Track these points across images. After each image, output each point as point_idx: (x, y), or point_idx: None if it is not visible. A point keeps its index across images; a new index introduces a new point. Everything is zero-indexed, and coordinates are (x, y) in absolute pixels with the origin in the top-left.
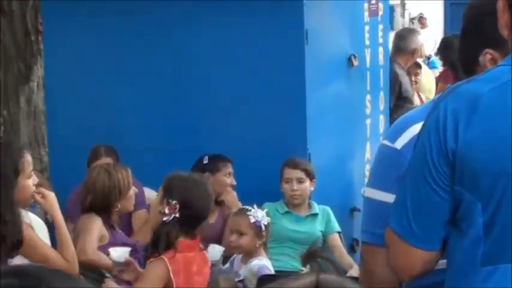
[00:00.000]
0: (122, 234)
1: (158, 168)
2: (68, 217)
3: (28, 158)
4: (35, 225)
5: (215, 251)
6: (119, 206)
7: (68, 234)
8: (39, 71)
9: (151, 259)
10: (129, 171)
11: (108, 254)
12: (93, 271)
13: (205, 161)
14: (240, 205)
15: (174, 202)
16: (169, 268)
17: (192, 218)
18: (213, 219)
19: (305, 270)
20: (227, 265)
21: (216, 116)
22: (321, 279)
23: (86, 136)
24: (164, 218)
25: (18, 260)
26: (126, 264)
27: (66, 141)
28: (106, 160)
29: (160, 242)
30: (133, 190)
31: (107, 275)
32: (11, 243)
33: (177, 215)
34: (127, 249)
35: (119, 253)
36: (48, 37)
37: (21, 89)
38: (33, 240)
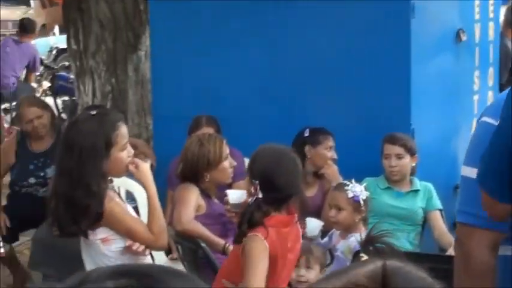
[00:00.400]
0: (219, 205)
1: (260, 139)
2: (169, 186)
3: (122, 130)
4: (136, 192)
5: (313, 225)
6: (208, 176)
7: (159, 206)
8: (146, 41)
9: (244, 237)
10: (224, 142)
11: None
12: (189, 241)
13: (306, 134)
14: (340, 179)
15: (256, 182)
16: (266, 244)
17: (276, 197)
18: (312, 192)
19: (365, 256)
20: (326, 239)
21: (319, 89)
22: (388, 266)
23: (189, 106)
24: (249, 199)
25: (102, 232)
26: (243, 206)
27: (170, 111)
28: (207, 130)
29: (243, 223)
30: (228, 162)
31: (203, 244)
32: (93, 214)
33: (260, 196)
34: (244, 192)
35: (236, 195)
36: (155, 6)
37: (130, 57)
38: (117, 212)
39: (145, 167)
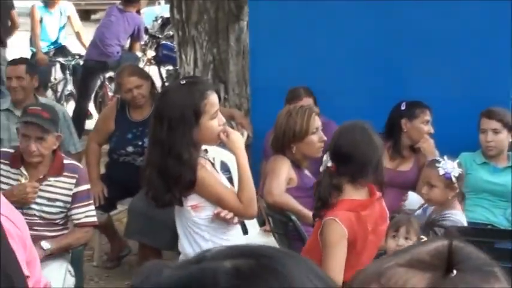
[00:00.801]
0: (311, 178)
1: (358, 112)
2: (265, 157)
3: (212, 99)
4: (230, 163)
5: (414, 199)
6: (294, 148)
7: (249, 176)
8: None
9: (322, 219)
10: (314, 115)
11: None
12: (280, 213)
13: (403, 107)
14: (436, 154)
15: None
16: (344, 229)
17: (348, 169)
18: (407, 167)
19: (424, 238)
20: (419, 211)
21: (418, 61)
22: (454, 245)
23: (287, 77)
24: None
25: (193, 199)
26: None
27: (268, 82)
28: (306, 101)
29: (317, 199)
30: (318, 136)
31: (293, 217)
32: (186, 182)
33: (332, 168)
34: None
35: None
36: None
37: (232, 27)
38: (208, 180)
39: (236, 136)
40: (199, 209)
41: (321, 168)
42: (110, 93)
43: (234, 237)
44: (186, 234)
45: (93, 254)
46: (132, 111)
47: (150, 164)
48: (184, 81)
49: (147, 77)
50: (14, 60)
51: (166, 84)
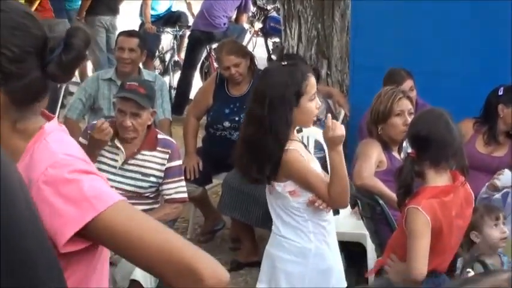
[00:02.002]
0: (401, 161)
1: (455, 96)
2: (360, 137)
3: (311, 81)
4: (323, 141)
5: (508, 177)
6: (380, 129)
7: (342, 175)
8: None
9: (405, 207)
10: (399, 97)
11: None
12: (368, 196)
13: (501, 92)
14: None
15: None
16: (427, 217)
17: (433, 159)
18: (502, 152)
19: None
20: (497, 196)
21: None
22: None
23: (387, 57)
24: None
25: (291, 185)
26: None
27: (368, 60)
28: (408, 84)
29: (400, 186)
30: (403, 119)
31: (380, 201)
32: (275, 162)
33: (413, 154)
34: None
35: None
36: None
37: (337, 3)
38: (296, 164)
39: (341, 131)
40: (297, 194)
41: (402, 155)
42: (216, 64)
43: (330, 217)
44: (283, 217)
45: (187, 227)
46: (230, 87)
47: (243, 141)
48: (285, 63)
49: (245, 54)
50: (128, 31)
51: (273, 56)
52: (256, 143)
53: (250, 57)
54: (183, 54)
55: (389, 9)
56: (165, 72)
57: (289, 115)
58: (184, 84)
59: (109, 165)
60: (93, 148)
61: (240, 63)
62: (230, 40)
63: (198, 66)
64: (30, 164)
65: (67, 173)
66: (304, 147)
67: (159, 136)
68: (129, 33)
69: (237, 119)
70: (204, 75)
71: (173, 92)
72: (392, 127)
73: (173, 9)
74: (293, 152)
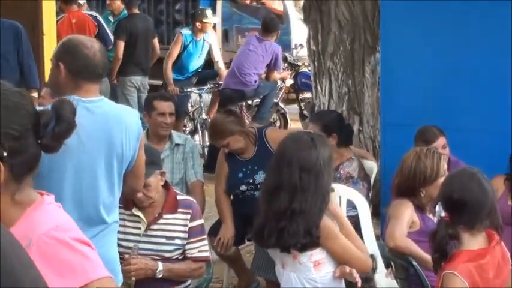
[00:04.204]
0: (434, 222)
1: (484, 151)
2: (393, 196)
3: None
4: (357, 201)
5: None
6: (423, 192)
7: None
8: None
9: (441, 272)
10: (443, 157)
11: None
12: (401, 257)
13: None
14: None
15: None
16: (464, 282)
17: (468, 222)
18: None
19: None
20: None
21: None
22: None
23: (418, 113)
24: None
25: (317, 254)
26: None
27: (399, 117)
28: (442, 141)
29: (435, 251)
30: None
31: (414, 262)
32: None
33: (446, 217)
34: None
35: None
36: (387, 7)
37: (367, 59)
38: (334, 230)
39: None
40: (320, 266)
41: (435, 219)
42: (247, 121)
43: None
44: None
45: (221, 287)
46: None
47: (271, 207)
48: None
49: (228, 134)
50: (163, 96)
51: (305, 112)
52: (288, 210)
53: (239, 130)
54: (214, 112)
55: (420, 65)
56: (194, 130)
57: (328, 182)
58: None
59: (132, 233)
60: None
61: (227, 143)
62: (212, 123)
63: None
64: (30, 225)
65: (68, 237)
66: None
67: (179, 197)
68: (165, 97)
69: (251, 180)
70: None
71: (201, 149)
72: (436, 189)
73: (200, 67)
74: (329, 221)
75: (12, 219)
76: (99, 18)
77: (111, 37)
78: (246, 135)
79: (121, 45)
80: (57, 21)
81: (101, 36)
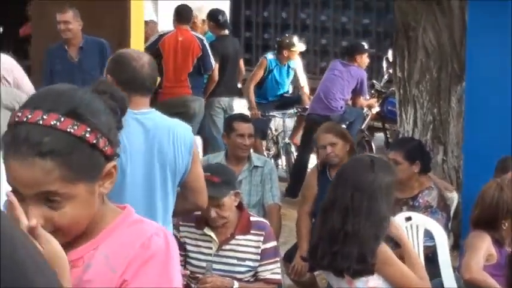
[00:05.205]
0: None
1: None
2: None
3: None
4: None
5: None
6: (505, 224)
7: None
8: None
9: None
10: None
11: None
12: None
13: None
14: None
15: None
16: None
17: None
18: None
19: None
20: None
21: None
22: None
23: (501, 144)
24: None
25: (373, 280)
26: None
27: (481, 147)
28: None
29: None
30: None
31: None
32: (374, 256)
33: None
34: None
35: None
36: (473, 34)
37: (454, 88)
38: (390, 258)
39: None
40: None
41: (509, 249)
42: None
43: None
44: None
45: None
46: (332, 171)
47: (325, 226)
48: (369, 159)
49: (343, 136)
50: (242, 117)
51: (390, 141)
52: (345, 234)
53: (351, 143)
54: (298, 137)
55: (506, 95)
56: (278, 154)
57: (390, 207)
58: (300, 166)
59: (204, 253)
60: None
61: (336, 143)
62: (332, 122)
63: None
64: (123, 240)
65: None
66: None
67: (252, 218)
68: (245, 119)
69: None
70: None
71: (284, 173)
72: None
73: (285, 93)
74: (386, 246)
75: (96, 230)
76: (205, 42)
77: (213, 62)
78: (350, 152)
79: (216, 67)
80: (163, 35)
81: (203, 59)
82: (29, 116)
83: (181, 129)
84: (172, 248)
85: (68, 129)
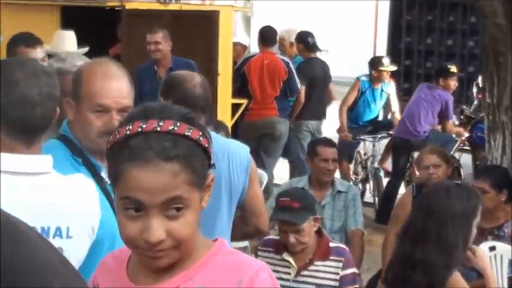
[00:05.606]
0: None
1: None
2: None
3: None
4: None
5: None
6: None
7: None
8: None
9: None
10: None
11: None
12: None
13: None
14: None
15: None
16: None
17: None
18: None
19: None
20: None
21: None
22: None
23: None
24: None
25: None
26: None
27: None
28: None
29: None
30: None
31: None
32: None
33: None
34: None
35: None
36: None
37: None
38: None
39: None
40: None
41: None
42: (417, 173)
43: None
44: None
45: None
46: None
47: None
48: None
49: (447, 160)
50: (328, 141)
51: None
52: (415, 261)
53: (452, 168)
54: (388, 162)
55: None
56: (366, 179)
57: (468, 235)
58: (390, 192)
59: (282, 278)
60: None
61: (440, 165)
62: (436, 145)
63: (405, 174)
64: (221, 272)
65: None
66: None
67: (331, 244)
68: (329, 143)
69: None
70: (406, 184)
71: (371, 198)
72: None
73: (377, 117)
74: (458, 275)
75: (195, 258)
76: (291, 65)
77: (299, 85)
78: (450, 177)
79: (303, 89)
80: (249, 58)
81: (289, 82)
82: (144, 126)
83: (237, 148)
84: (276, 284)
85: (186, 133)
